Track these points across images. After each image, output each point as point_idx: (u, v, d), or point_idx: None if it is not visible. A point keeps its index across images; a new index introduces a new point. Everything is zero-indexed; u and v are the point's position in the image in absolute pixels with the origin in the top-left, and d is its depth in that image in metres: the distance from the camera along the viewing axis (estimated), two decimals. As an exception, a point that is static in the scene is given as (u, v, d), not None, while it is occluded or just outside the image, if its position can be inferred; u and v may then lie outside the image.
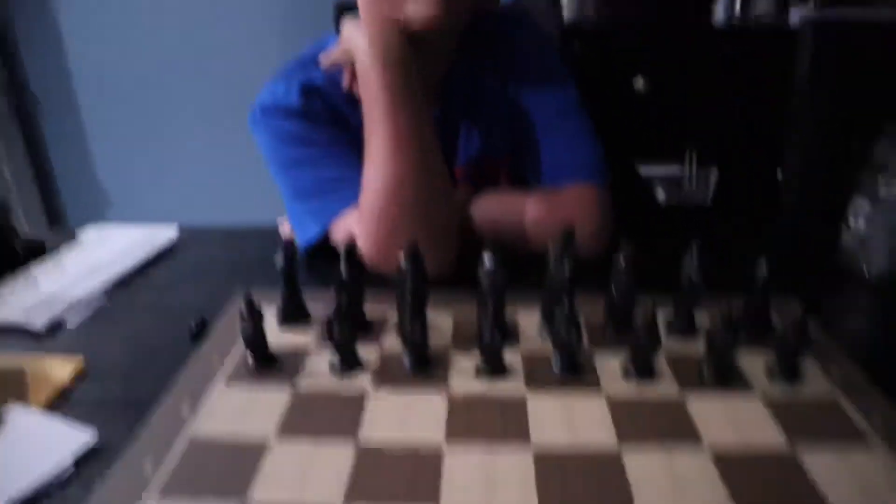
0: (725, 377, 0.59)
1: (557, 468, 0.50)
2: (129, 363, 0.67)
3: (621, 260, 0.63)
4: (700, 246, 0.62)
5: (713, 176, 2.28)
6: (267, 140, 0.87)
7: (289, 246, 0.65)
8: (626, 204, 0.90)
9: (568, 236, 0.61)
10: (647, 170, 2.26)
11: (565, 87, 0.90)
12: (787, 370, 0.60)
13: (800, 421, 0.55)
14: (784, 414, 0.56)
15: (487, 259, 0.59)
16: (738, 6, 2.25)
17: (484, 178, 0.92)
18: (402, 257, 0.60)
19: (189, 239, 0.96)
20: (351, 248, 0.64)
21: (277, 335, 0.66)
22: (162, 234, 0.94)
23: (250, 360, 0.61)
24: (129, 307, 0.78)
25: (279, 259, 0.64)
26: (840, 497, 0.47)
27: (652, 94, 2.23)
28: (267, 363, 0.61)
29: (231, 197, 2.19)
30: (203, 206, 2.25)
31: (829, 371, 0.61)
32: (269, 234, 0.94)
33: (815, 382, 0.60)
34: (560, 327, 0.57)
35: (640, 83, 2.26)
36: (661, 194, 2.23)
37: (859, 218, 0.81)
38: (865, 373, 0.61)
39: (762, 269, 0.63)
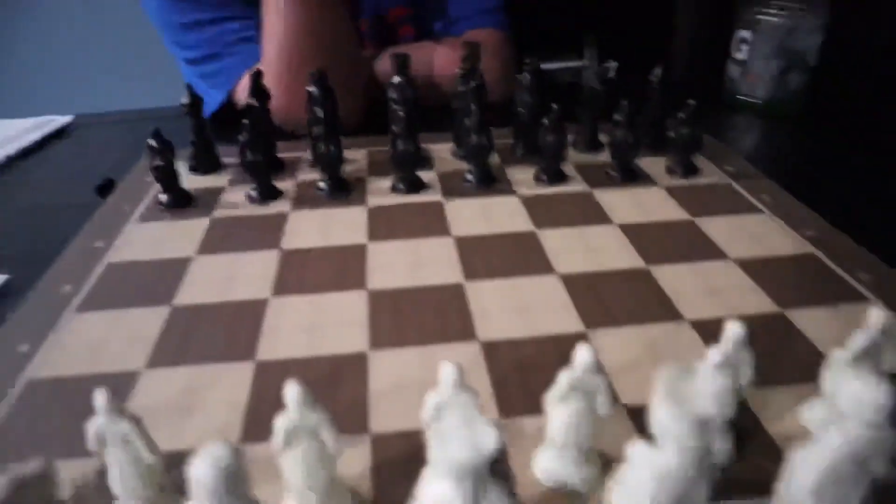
0: (630, 175, 0.63)
1: (479, 247, 0.52)
2: (33, 223, 0.64)
3: (526, 76, 0.65)
4: (598, 55, 0.65)
5: (612, 67, 2.33)
6: (157, 6, 0.83)
7: (193, 90, 0.63)
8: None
9: (473, 49, 0.62)
10: (546, 66, 2.28)
11: None
12: (685, 166, 0.64)
13: (699, 201, 0.59)
14: (684, 197, 0.60)
15: (396, 76, 0.60)
16: None
17: (389, 32, 0.91)
18: (309, 83, 0.60)
19: (86, 124, 0.91)
20: (257, 75, 0.63)
21: (191, 181, 0.64)
22: (56, 120, 0.89)
23: (164, 198, 0.60)
24: (25, 181, 0.74)
25: (184, 99, 0.62)
26: (734, 244, 0.52)
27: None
28: (181, 200, 0.60)
29: (124, 85, 1.95)
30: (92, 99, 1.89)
31: (722, 166, 0.66)
32: (173, 116, 0.91)
33: (711, 174, 0.64)
34: (472, 134, 0.59)
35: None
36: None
37: (742, 48, 0.86)
38: (754, 170, 0.66)
39: (658, 73, 0.66)
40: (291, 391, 0.27)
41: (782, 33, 0.82)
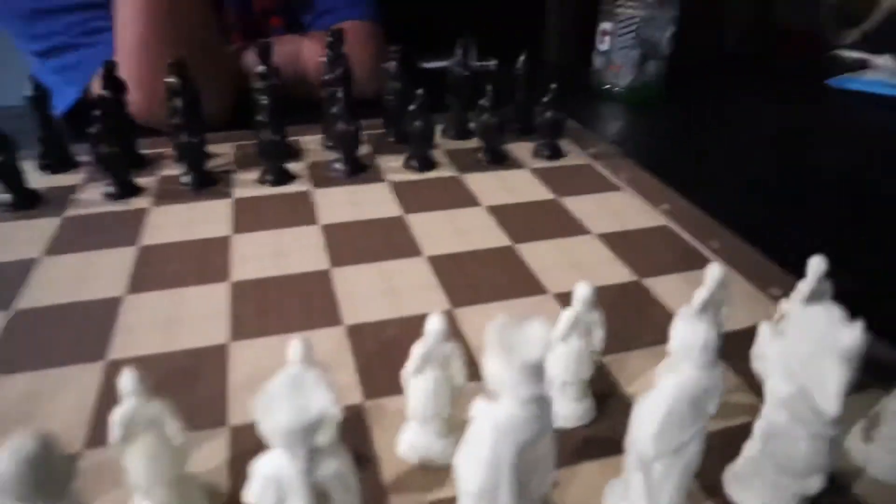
0: (498, 158, 0.64)
1: (346, 234, 0.51)
2: None
3: (393, 64, 0.65)
4: (475, 53, 0.66)
5: (492, 65, 2.38)
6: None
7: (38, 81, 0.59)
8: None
9: (337, 35, 0.61)
10: (427, 65, 2.29)
11: None
12: (550, 149, 0.66)
13: (563, 182, 0.61)
14: (550, 178, 0.61)
15: (259, 64, 0.58)
16: None
17: (257, 24, 0.88)
18: (168, 73, 0.57)
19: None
20: (110, 65, 0.60)
21: (41, 180, 0.60)
22: None
23: (6, 198, 0.55)
24: None
25: (28, 91, 0.58)
26: (596, 221, 0.54)
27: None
28: (27, 200, 0.56)
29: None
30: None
31: (586, 149, 0.68)
32: (16, 115, 0.84)
33: (575, 156, 0.67)
34: (338, 121, 0.58)
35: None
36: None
37: (604, 40, 0.90)
38: (617, 151, 0.68)
39: (523, 61, 0.68)
40: (126, 380, 0.25)
41: (640, 24, 0.87)
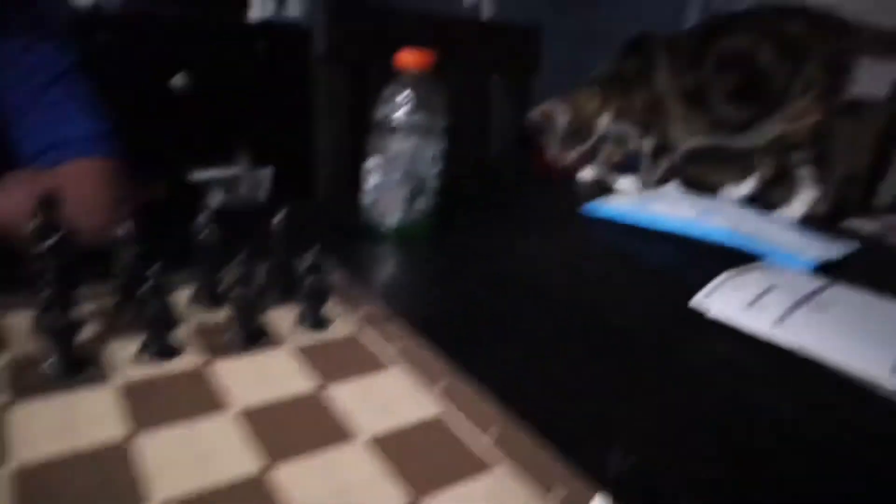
0: (254, 336, 0.56)
1: (51, 479, 0.39)
2: None
3: (124, 229, 0.55)
4: (213, 212, 0.58)
5: (267, 174, 2.31)
6: None
7: None
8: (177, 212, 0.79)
9: (47, 201, 0.50)
10: (202, 174, 2.18)
11: (59, 48, 0.77)
12: (314, 318, 0.60)
13: (328, 362, 0.55)
14: (313, 359, 0.55)
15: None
16: (272, 5, 2.39)
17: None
18: None
19: None
20: None
21: None
22: None
23: None
24: None
25: None
26: (366, 418, 0.48)
27: (194, 93, 2.16)
28: None
29: None
30: None
31: (355, 311, 0.63)
32: None
33: (342, 325, 0.61)
34: (48, 308, 0.47)
35: (180, 81, 2.16)
36: (218, 197, 2.18)
37: (372, 175, 0.87)
38: (387, 310, 0.64)
39: (283, 216, 0.62)
40: None
41: (408, 160, 0.85)
